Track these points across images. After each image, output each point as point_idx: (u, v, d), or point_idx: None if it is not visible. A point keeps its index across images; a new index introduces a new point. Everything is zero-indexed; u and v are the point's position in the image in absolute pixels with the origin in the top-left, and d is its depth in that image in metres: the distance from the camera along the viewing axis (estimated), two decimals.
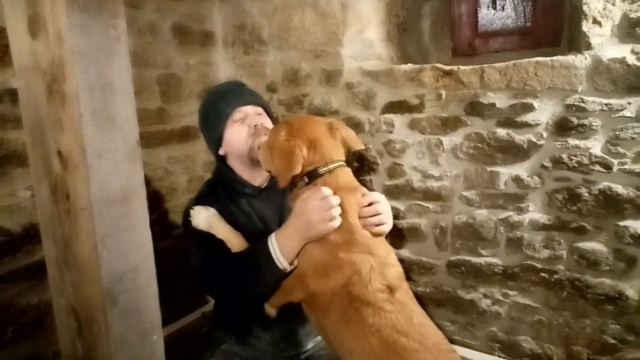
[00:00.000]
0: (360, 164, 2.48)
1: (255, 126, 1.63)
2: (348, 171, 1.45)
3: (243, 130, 1.64)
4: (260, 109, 1.72)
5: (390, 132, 2.38)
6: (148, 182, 1.10)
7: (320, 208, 1.31)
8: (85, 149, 0.97)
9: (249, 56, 2.78)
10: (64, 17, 0.93)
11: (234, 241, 1.48)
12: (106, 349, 1.06)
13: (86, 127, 0.97)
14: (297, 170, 1.37)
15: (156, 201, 2.47)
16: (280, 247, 1.34)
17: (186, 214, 1.55)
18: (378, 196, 1.42)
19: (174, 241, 2.44)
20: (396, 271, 1.35)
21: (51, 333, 1.87)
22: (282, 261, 1.34)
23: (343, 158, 1.46)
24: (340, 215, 1.32)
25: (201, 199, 1.61)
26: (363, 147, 1.54)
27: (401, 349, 1.21)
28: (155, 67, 2.49)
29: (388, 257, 1.36)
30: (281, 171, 1.41)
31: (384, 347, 1.22)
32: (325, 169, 1.39)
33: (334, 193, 1.34)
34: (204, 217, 1.50)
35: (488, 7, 2.58)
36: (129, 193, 1.06)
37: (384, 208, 1.41)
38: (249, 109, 1.68)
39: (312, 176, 1.40)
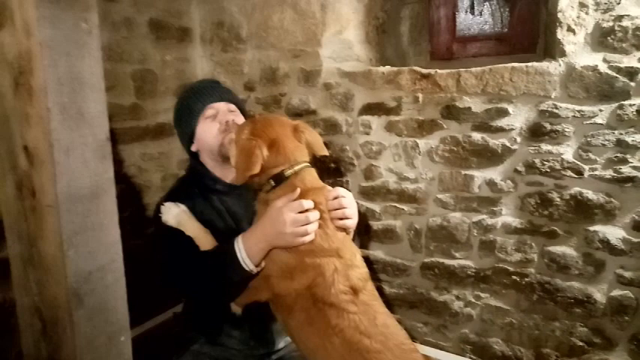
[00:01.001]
0: (337, 165, 2.48)
1: (226, 122, 1.62)
2: (313, 171, 1.45)
3: (215, 127, 1.63)
4: (233, 107, 1.71)
5: (367, 134, 2.38)
6: (120, 179, 1.07)
7: (296, 221, 1.30)
8: (52, 145, 0.94)
9: (227, 54, 2.76)
10: (32, 8, 0.90)
11: (203, 240, 1.46)
12: (71, 350, 1.03)
13: (54, 122, 0.94)
14: (255, 170, 1.36)
15: (128, 198, 2.43)
16: (247, 250, 1.33)
17: (157, 210, 1.54)
18: (343, 192, 1.42)
19: (146, 240, 2.40)
20: (360, 272, 1.35)
21: (14, 333, 1.81)
22: (247, 263, 1.33)
23: (307, 159, 1.46)
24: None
25: (172, 196, 1.60)
26: (327, 154, 1.54)
27: (363, 350, 1.23)
28: (130, 63, 2.44)
29: (354, 259, 1.36)
30: (239, 169, 1.40)
31: (346, 348, 1.24)
32: (291, 171, 1.39)
33: (303, 195, 1.34)
34: (174, 214, 1.49)
35: (467, 12, 2.61)
36: (98, 190, 1.03)
37: (348, 203, 1.41)
38: (222, 106, 1.68)
39: (279, 179, 1.39)
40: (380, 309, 1.33)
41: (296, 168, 1.40)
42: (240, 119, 1.68)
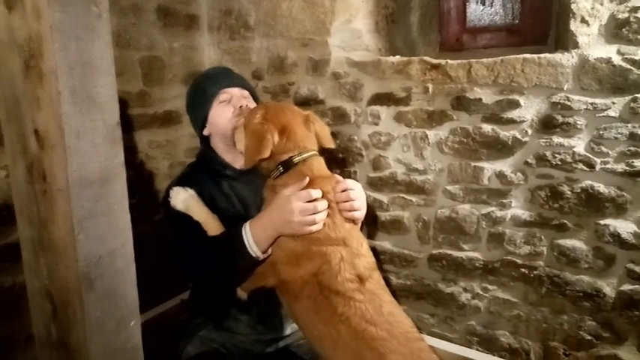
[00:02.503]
0: (345, 156, 2.47)
1: (240, 107, 1.63)
2: (321, 160, 1.46)
3: (228, 111, 1.64)
4: (246, 93, 1.72)
5: (376, 124, 2.36)
6: (128, 166, 1.07)
7: (304, 210, 1.30)
8: (62, 128, 0.93)
9: (235, 42, 2.74)
10: None
11: (211, 225, 1.48)
12: (81, 333, 1.03)
13: (65, 106, 0.93)
14: (265, 155, 1.38)
15: (136, 185, 2.43)
16: (254, 237, 1.34)
17: (166, 194, 1.56)
18: (352, 183, 1.43)
19: (154, 227, 2.41)
20: (367, 261, 1.36)
21: (24, 316, 1.81)
22: (254, 250, 1.34)
23: (316, 148, 1.47)
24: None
25: (182, 180, 1.62)
26: (334, 146, 1.56)
27: (369, 338, 1.24)
28: (138, 49, 2.43)
29: (360, 248, 1.37)
30: (249, 152, 1.42)
31: (352, 335, 1.25)
32: (299, 158, 1.40)
33: (311, 183, 1.35)
34: (183, 199, 1.50)
35: (477, 2, 2.58)
36: (108, 175, 1.03)
37: (357, 195, 1.41)
38: (235, 91, 1.68)
39: (287, 166, 1.40)
40: (386, 298, 1.34)
41: (305, 155, 1.41)
42: (253, 105, 1.69)
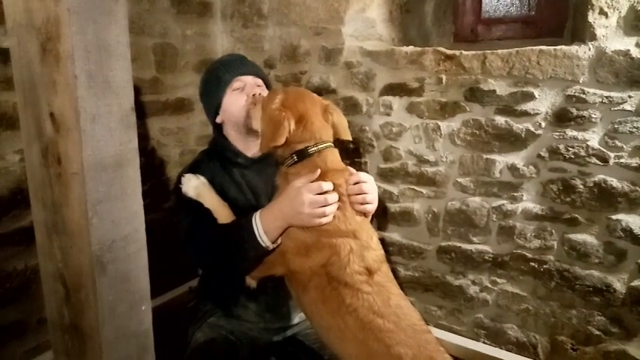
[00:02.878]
0: (356, 146, 2.46)
1: (253, 95, 1.63)
2: (336, 152, 1.46)
3: (242, 99, 1.64)
4: (260, 81, 1.72)
5: (388, 114, 2.35)
6: (139, 153, 1.08)
7: (314, 202, 1.31)
8: (78, 112, 0.94)
9: (248, 30, 2.73)
10: None
11: (221, 212, 1.48)
12: (93, 316, 1.04)
13: (81, 90, 0.93)
14: (280, 142, 1.37)
15: (147, 172, 2.44)
16: (264, 227, 1.35)
17: (178, 181, 1.56)
18: (364, 177, 1.43)
19: (164, 214, 2.42)
20: (376, 254, 1.36)
21: (36, 300, 1.85)
22: (264, 240, 1.34)
23: (332, 140, 1.47)
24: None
25: (194, 167, 1.62)
26: (351, 138, 1.55)
27: (376, 330, 1.25)
28: (151, 36, 2.44)
29: (370, 241, 1.37)
30: (265, 137, 1.42)
31: (359, 327, 1.26)
32: (314, 148, 1.40)
33: (324, 176, 1.35)
34: (194, 186, 1.50)
35: None
36: (122, 160, 1.03)
37: (369, 188, 1.41)
38: (249, 79, 1.69)
39: (302, 155, 1.40)
40: (394, 290, 1.34)
41: (320, 147, 1.40)
42: (266, 93, 1.67)
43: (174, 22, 2.55)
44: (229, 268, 1.47)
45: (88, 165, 0.97)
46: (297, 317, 1.70)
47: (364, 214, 1.41)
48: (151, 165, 2.52)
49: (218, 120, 1.71)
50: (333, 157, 1.43)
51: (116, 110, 1.01)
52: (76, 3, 0.92)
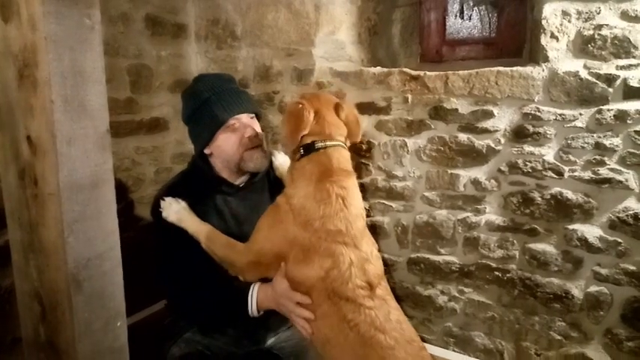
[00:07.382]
0: None
1: (248, 138, 1.62)
2: (345, 152, 1.44)
3: (234, 138, 1.62)
4: (253, 116, 1.71)
5: None
6: (114, 172, 1.11)
7: (293, 312, 1.38)
8: (55, 135, 0.98)
9: (222, 51, 2.79)
10: (38, 4, 0.94)
11: (204, 235, 1.50)
12: (69, 333, 1.06)
13: (57, 114, 0.98)
14: (306, 130, 1.39)
15: (122, 191, 2.46)
16: (258, 304, 1.47)
17: (157, 204, 1.55)
18: None
19: (138, 232, 2.43)
20: (377, 267, 1.37)
21: (9, 320, 1.84)
22: (254, 311, 1.45)
23: (343, 138, 1.46)
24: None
25: (172, 190, 1.61)
26: (359, 140, 1.55)
27: (377, 346, 1.24)
28: (126, 57, 2.47)
29: (370, 254, 1.37)
30: (290, 132, 1.42)
31: (360, 342, 1.26)
32: (322, 144, 1.39)
33: (329, 175, 1.36)
34: (175, 210, 1.50)
35: (456, 16, 2.66)
36: (97, 180, 1.07)
37: None
38: (244, 117, 1.66)
39: (308, 149, 1.40)
40: (393, 304, 1.35)
41: (328, 143, 1.40)
42: (257, 126, 1.69)
43: (148, 44, 2.59)
44: (210, 321, 1.58)
45: (64, 186, 1.00)
46: (272, 338, 1.73)
47: None
48: (126, 184, 2.54)
49: (206, 151, 1.67)
50: (341, 156, 1.41)
51: (92, 133, 1.06)
52: (53, 31, 0.97)
